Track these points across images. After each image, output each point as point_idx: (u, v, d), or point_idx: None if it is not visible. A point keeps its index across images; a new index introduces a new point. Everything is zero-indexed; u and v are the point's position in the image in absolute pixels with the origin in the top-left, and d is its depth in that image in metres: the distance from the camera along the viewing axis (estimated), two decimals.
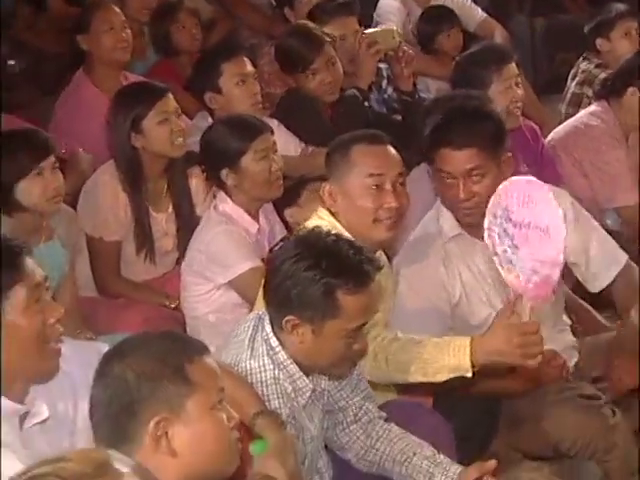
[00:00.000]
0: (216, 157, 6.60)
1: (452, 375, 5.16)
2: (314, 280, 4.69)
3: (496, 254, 5.12)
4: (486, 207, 5.16)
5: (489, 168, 5.87)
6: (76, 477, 3.29)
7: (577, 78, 8.72)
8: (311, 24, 8.48)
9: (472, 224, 5.85)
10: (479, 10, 9.88)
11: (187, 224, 6.90)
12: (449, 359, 5.16)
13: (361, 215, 5.57)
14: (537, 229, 4.96)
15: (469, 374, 5.12)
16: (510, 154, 6.08)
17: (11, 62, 10.17)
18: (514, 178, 5.30)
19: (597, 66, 8.59)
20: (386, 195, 5.57)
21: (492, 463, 4.87)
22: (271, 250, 5.30)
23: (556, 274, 4.94)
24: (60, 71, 9.37)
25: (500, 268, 5.12)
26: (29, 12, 10.80)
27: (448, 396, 5.44)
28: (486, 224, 5.17)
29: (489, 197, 5.19)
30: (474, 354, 5.10)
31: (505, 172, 5.89)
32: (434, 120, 6.13)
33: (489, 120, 6.10)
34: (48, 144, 6.61)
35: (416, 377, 5.26)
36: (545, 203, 4.96)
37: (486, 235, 5.13)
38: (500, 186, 5.15)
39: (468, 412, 5.52)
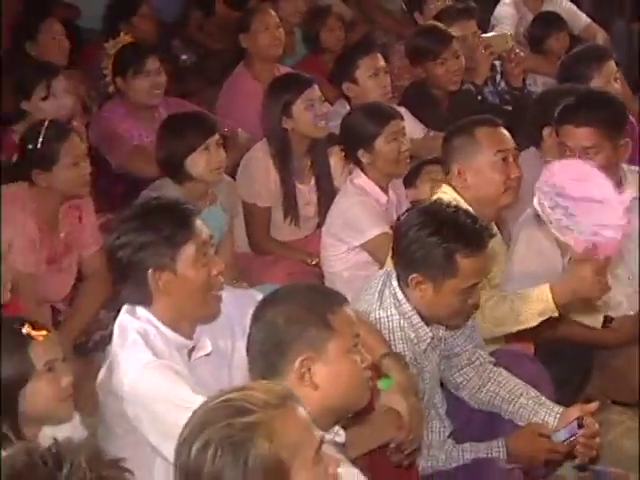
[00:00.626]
0: (353, 139, 6.61)
1: (542, 318, 5.24)
2: (436, 244, 4.71)
3: (550, 222, 5.21)
4: None
5: (604, 148, 5.81)
6: (261, 404, 3.35)
7: None
8: (439, 24, 8.49)
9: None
10: (584, 16, 9.76)
11: (327, 195, 6.92)
12: (536, 305, 5.23)
13: (493, 186, 5.59)
14: (592, 201, 5.08)
15: (556, 314, 5.20)
16: (628, 140, 5.99)
17: (184, 57, 10.28)
18: (563, 160, 5.46)
19: None
20: (511, 167, 5.63)
21: (593, 405, 4.97)
22: (398, 219, 5.28)
23: (619, 235, 5.07)
24: (224, 65, 9.42)
25: (556, 232, 5.25)
26: (199, 15, 10.96)
27: (548, 346, 5.39)
28: (536, 200, 5.23)
29: None
30: (556, 296, 5.18)
31: (621, 156, 5.94)
32: (566, 100, 6.12)
33: (610, 105, 6.06)
34: (213, 124, 6.72)
35: (511, 328, 5.31)
36: (596, 179, 5.09)
37: (539, 208, 5.19)
38: (549, 166, 5.31)
39: (565, 361, 5.48)
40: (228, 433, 3.26)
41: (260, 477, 3.25)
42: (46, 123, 6.39)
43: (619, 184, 5.78)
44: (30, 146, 6.32)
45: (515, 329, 5.30)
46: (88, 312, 6.52)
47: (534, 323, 5.24)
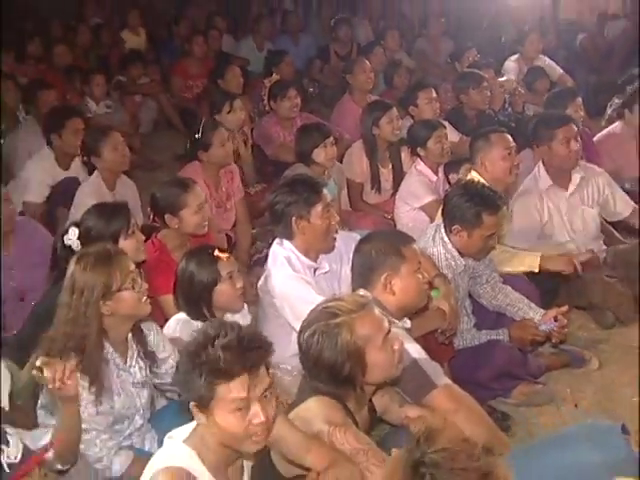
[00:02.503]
0: (415, 141, 6.49)
1: (526, 269, 5.34)
2: (470, 207, 4.71)
3: None
4: None
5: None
6: (346, 310, 3.45)
7: None
8: (474, 70, 8.41)
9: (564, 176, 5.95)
10: (559, 69, 9.55)
11: (398, 175, 6.82)
12: (527, 260, 5.36)
13: (502, 171, 5.56)
14: None
15: (536, 270, 5.31)
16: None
17: (310, 89, 10.13)
18: None
19: None
20: (513, 160, 5.60)
21: (564, 308, 4.98)
22: (446, 191, 5.32)
23: None
24: (335, 94, 9.27)
25: None
26: (320, 63, 10.76)
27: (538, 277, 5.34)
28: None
29: None
30: (542, 261, 5.30)
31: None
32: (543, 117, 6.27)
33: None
34: (329, 130, 6.66)
35: (506, 268, 5.30)
36: None
37: None
38: None
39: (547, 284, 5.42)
40: (326, 328, 3.42)
41: (345, 355, 3.43)
42: (202, 121, 6.45)
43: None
44: (196, 136, 6.30)
45: (507, 269, 5.30)
46: (246, 239, 6.50)
47: (520, 270, 5.32)
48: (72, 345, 3.74)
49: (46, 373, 3.39)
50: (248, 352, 2.98)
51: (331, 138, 6.50)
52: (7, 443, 2.95)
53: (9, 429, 3.07)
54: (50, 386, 3.42)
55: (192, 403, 3.01)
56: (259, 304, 4.81)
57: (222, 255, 4.44)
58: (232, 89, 8.25)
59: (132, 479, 3.65)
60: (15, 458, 2.92)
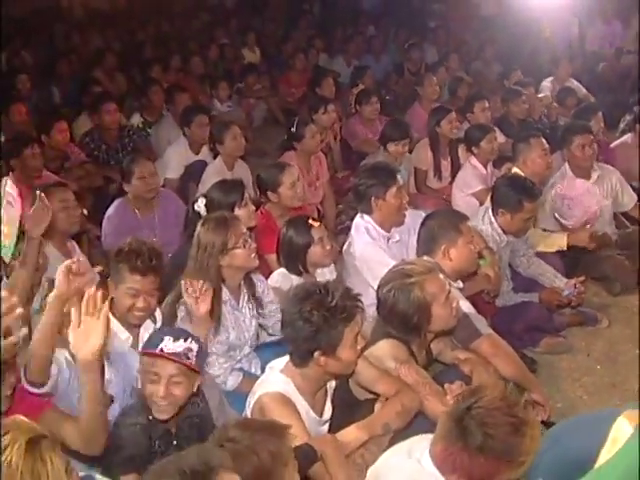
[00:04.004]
0: (470, 140, 6.24)
1: (557, 249, 5.16)
2: (514, 195, 4.61)
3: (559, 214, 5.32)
4: None
5: None
6: (417, 272, 3.46)
7: None
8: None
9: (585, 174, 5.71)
10: (583, 89, 9.20)
11: (456, 166, 6.58)
12: (557, 241, 5.18)
13: (540, 167, 5.40)
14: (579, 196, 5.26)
15: (565, 248, 5.13)
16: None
17: (387, 97, 9.92)
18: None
19: None
20: (547, 159, 5.47)
21: (581, 278, 4.89)
22: (495, 182, 5.17)
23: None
24: (406, 102, 9.11)
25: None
26: (395, 77, 10.52)
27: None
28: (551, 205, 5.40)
29: None
30: (569, 238, 5.15)
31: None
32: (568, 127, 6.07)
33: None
34: (407, 129, 6.58)
35: (540, 248, 5.14)
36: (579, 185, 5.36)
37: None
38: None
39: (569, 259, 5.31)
40: (401, 285, 3.39)
41: (415, 308, 3.39)
42: (297, 119, 6.37)
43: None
44: (292, 130, 6.24)
45: (542, 248, 5.14)
46: (332, 211, 6.38)
47: (552, 249, 5.15)
48: None
49: (188, 292, 3.50)
50: (355, 300, 3.07)
51: (407, 139, 6.45)
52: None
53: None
54: (189, 300, 3.50)
55: (317, 352, 3.03)
56: (343, 264, 4.74)
57: (315, 223, 4.39)
58: (326, 95, 8.14)
59: (241, 394, 3.64)
60: None
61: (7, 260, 3.70)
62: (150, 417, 3.01)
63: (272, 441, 2.52)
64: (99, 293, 2.75)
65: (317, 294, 3.01)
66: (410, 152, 6.81)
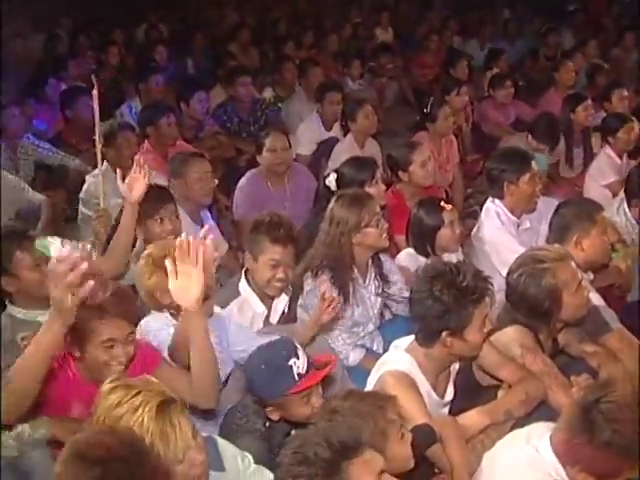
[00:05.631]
0: (608, 129, 5.96)
1: None
2: None
3: None
4: None
5: None
6: (550, 258, 3.34)
7: None
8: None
9: None
10: None
11: (589, 155, 6.30)
12: None
13: None
14: None
15: None
16: None
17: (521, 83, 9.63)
18: None
19: None
20: None
21: None
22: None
23: None
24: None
25: None
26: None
27: None
28: None
29: None
30: None
31: None
32: None
33: None
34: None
35: None
36: None
37: None
38: None
39: None
40: (532, 270, 3.28)
41: (546, 294, 3.28)
42: (431, 100, 6.19)
43: None
44: (425, 111, 6.15)
45: None
46: (460, 194, 6.22)
47: None
48: (326, 263, 3.78)
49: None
50: (486, 281, 3.03)
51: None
52: (297, 357, 2.86)
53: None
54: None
55: (445, 332, 2.99)
56: (471, 249, 4.67)
57: (447, 206, 4.34)
58: (460, 77, 8.03)
59: (363, 370, 3.66)
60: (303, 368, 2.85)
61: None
62: (267, 423, 2.97)
63: (372, 412, 2.51)
64: (192, 239, 2.67)
65: (448, 273, 2.97)
66: None
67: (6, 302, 3.48)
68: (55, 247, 3.18)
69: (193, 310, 2.67)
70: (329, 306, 3.42)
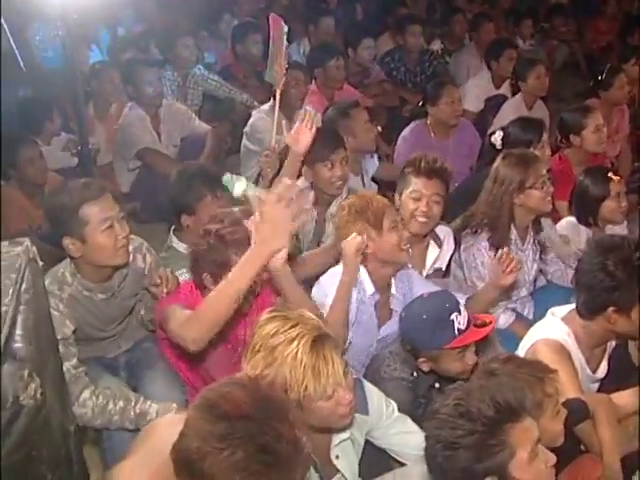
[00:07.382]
0: None
1: None
2: None
3: None
4: None
5: None
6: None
7: None
8: None
9: None
10: None
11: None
12: None
13: None
14: None
15: None
16: None
17: None
18: None
19: None
20: None
21: None
22: None
23: None
24: None
25: None
26: None
27: None
28: None
29: None
30: None
31: None
32: None
33: None
34: None
35: None
36: None
37: None
38: None
39: None
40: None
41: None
42: (607, 67, 5.79)
43: None
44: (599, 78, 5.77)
45: None
46: (626, 167, 5.85)
47: None
48: (486, 222, 3.67)
49: None
50: None
51: None
52: (459, 312, 2.78)
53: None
54: None
55: (611, 307, 2.82)
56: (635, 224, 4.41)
57: (615, 177, 4.10)
58: (638, 46, 7.56)
59: (512, 333, 3.55)
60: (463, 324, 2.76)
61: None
62: (414, 373, 2.92)
63: (531, 382, 2.40)
64: (288, 181, 2.45)
65: (625, 248, 2.81)
66: None
67: (174, 236, 3.65)
68: (240, 184, 3.17)
69: (279, 270, 2.60)
70: (507, 268, 3.22)
